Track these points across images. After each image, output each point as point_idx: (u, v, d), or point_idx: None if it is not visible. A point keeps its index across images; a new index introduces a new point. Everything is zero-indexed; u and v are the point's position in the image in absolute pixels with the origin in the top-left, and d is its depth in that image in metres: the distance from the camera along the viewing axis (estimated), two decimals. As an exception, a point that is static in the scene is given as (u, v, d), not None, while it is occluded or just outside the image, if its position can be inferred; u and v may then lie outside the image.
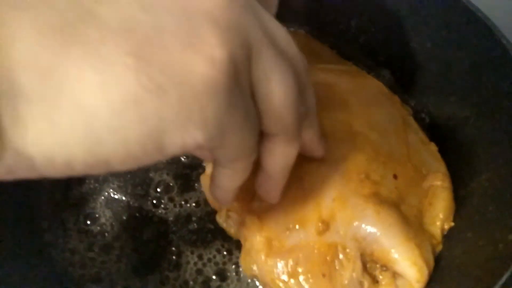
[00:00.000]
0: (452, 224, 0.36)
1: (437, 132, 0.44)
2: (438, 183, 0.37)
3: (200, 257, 0.37)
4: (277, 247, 0.33)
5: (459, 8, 0.41)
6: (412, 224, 0.34)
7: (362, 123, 0.39)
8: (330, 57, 0.49)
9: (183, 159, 0.42)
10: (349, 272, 0.33)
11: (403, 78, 0.49)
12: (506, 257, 0.27)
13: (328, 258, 0.33)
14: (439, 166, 0.39)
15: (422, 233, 0.35)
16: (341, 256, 0.33)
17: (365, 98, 0.41)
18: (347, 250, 0.33)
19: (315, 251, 0.33)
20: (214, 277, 0.36)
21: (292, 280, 0.32)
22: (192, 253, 0.37)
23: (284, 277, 0.32)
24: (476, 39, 0.40)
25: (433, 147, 0.40)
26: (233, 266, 0.37)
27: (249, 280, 0.36)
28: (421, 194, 0.37)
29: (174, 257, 0.37)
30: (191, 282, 0.36)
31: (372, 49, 0.51)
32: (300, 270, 0.32)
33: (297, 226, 0.33)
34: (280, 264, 0.33)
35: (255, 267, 0.34)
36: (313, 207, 0.34)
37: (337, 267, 0.33)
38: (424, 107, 0.46)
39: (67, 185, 0.40)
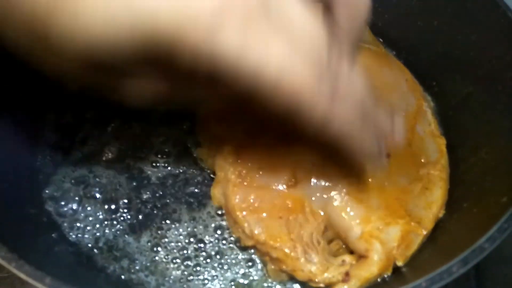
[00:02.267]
0: (444, 212, 0.36)
1: (442, 110, 0.44)
2: (436, 172, 0.37)
3: (194, 218, 0.37)
4: (247, 182, 0.35)
5: (465, -18, 0.41)
6: (387, 206, 0.34)
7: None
8: (364, 36, 0.48)
9: (185, 127, 0.43)
10: (310, 229, 0.33)
11: (409, 57, 0.48)
12: (496, 215, 0.26)
13: (290, 206, 0.34)
14: (440, 158, 0.39)
15: (397, 215, 0.34)
16: (307, 211, 0.34)
17: (382, 77, 0.41)
18: (315, 211, 0.34)
19: (279, 197, 0.34)
20: (206, 239, 0.36)
21: (250, 214, 0.34)
22: (187, 214, 0.38)
23: (245, 208, 0.34)
24: (482, 14, 0.40)
25: (441, 141, 0.40)
26: (227, 231, 0.37)
27: (236, 244, 0.36)
28: (415, 178, 0.37)
29: (169, 218, 0.38)
30: (184, 242, 0.36)
31: (379, 29, 0.51)
32: (259, 206, 0.34)
33: (269, 170, 0.35)
34: (245, 196, 0.34)
35: (222, 196, 0.35)
36: (291, 161, 0.35)
37: (299, 220, 0.33)
38: (429, 86, 0.46)
39: (70, 145, 0.41)
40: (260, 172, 0.35)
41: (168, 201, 0.39)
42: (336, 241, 0.35)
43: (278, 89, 0.20)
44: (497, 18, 0.38)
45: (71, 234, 0.36)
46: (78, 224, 0.37)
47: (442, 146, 0.40)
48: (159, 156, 0.41)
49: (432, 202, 0.36)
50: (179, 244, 0.36)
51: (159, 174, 0.40)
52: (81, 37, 0.19)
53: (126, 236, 0.36)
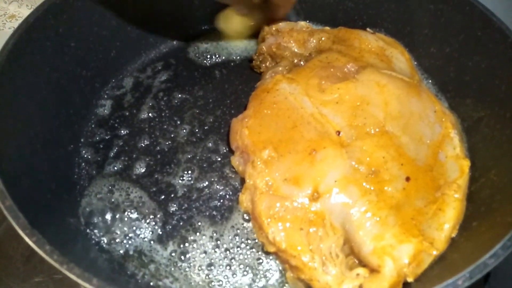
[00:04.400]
0: (456, 231, 0.37)
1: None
2: (451, 192, 0.39)
3: (217, 231, 0.40)
4: (273, 190, 0.37)
5: (475, 13, 0.44)
6: (402, 224, 0.36)
7: (396, 126, 0.41)
8: (403, 64, 0.50)
9: (209, 144, 0.46)
10: (329, 242, 0.35)
11: (423, 81, 0.51)
12: (501, 233, 0.28)
13: (311, 219, 0.36)
14: (457, 179, 0.40)
15: (411, 234, 0.35)
16: (328, 225, 0.36)
17: (410, 106, 0.43)
18: (334, 226, 0.36)
19: (302, 209, 0.37)
20: (228, 249, 0.39)
21: (274, 221, 0.36)
22: (211, 226, 0.40)
23: (271, 216, 0.37)
24: (491, 43, 0.43)
25: (465, 162, 0.41)
26: (248, 241, 0.39)
27: (255, 254, 0.39)
28: (430, 200, 0.38)
29: (194, 229, 0.40)
30: (207, 252, 0.39)
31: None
32: (283, 216, 0.36)
33: (294, 183, 0.37)
34: (271, 204, 0.37)
35: (249, 202, 0.38)
36: (315, 176, 0.38)
37: (319, 233, 0.36)
38: (441, 109, 0.48)
39: (103, 160, 0.45)
40: (285, 182, 0.38)
41: (193, 213, 0.41)
42: (352, 255, 0.37)
43: None
44: (505, 48, 0.40)
45: (104, 242, 0.39)
46: (110, 234, 0.40)
47: (465, 167, 0.41)
48: (185, 171, 0.44)
49: (444, 223, 0.37)
50: (203, 254, 0.39)
51: (185, 189, 0.43)
52: None
53: (154, 245, 0.39)
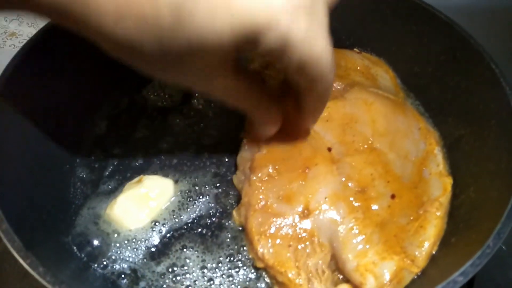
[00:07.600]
0: (437, 248, 0.38)
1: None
2: (433, 210, 0.40)
3: (207, 248, 0.42)
4: (267, 208, 0.39)
5: (454, 35, 0.45)
6: (385, 242, 0.37)
7: (383, 143, 0.43)
8: (387, 82, 0.52)
9: (201, 164, 0.48)
10: (316, 259, 0.37)
11: (408, 100, 0.52)
12: (473, 251, 0.30)
13: (300, 236, 0.38)
14: (440, 196, 0.41)
15: (393, 251, 0.37)
16: (316, 242, 0.37)
17: (396, 123, 0.45)
18: (322, 243, 0.38)
19: (292, 226, 0.38)
20: (217, 266, 0.40)
21: (264, 237, 0.38)
22: (201, 244, 0.42)
23: (262, 233, 0.38)
24: (469, 64, 0.44)
25: (448, 180, 0.42)
26: (237, 257, 0.41)
27: (244, 269, 0.40)
28: (413, 217, 0.39)
29: (185, 247, 0.42)
30: (197, 268, 0.40)
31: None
32: (274, 233, 0.38)
33: (286, 201, 0.39)
34: (263, 221, 0.38)
35: (243, 218, 0.40)
36: (306, 194, 0.39)
37: (307, 250, 0.37)
38: (425, 127, 0.50)
39: (98, 179, 0.46)
40: (279, 199, 0.39)
41: (184, 231, 0.43)
42: (337, 271, 0.38)
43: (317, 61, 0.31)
44: (482, 69, 0.42)
45: (98, 261, 0.40)
46: (104, 252, 0.41)
47: (448, 185, 0.42)
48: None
49: (424, 241, 0.38)
50: (193, 270, 0.40)
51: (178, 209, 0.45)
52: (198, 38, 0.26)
53: (146, 263, 0.41)
